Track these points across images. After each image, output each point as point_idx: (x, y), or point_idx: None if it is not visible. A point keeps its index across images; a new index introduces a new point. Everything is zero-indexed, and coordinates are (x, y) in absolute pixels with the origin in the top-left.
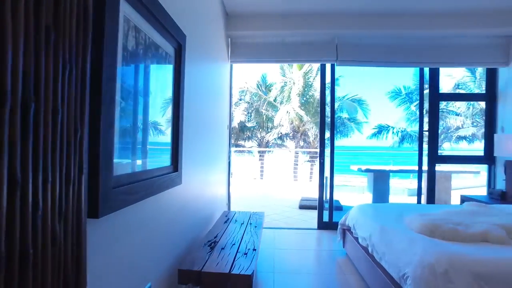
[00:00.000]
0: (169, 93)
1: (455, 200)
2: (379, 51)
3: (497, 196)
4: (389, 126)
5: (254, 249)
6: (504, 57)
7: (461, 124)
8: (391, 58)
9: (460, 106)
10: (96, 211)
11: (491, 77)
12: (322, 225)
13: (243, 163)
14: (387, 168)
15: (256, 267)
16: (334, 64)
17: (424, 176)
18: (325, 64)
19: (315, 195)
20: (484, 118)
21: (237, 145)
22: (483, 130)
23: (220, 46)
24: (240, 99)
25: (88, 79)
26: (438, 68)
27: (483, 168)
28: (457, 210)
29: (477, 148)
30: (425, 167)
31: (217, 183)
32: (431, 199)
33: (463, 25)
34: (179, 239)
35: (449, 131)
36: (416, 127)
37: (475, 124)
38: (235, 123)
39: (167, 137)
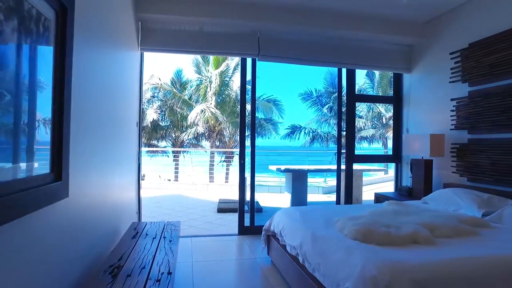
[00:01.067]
0: (48, 75)
1: (366, 196)
2: (301, 48)
3: (405, 192)
4: (301, 127)
5: (170, 272)
6: (407, 64)
7: (363, 125)
8: (313, 56)
9: (362, 109)
10: None
11: (398, 82)
12: (244, 230)
13: (157, 165)
14: (305, 167)
15: None
16: (255, 59)
17: (342, 175)
18: (245, 59)
19: (233, 196)
20: (381, 121)
21: (150, 145)
22: (380, 131)
23: (128, 29)
24: (154, 97)
25: None
26: (355, 70)
27: (389, 166)
28: (381, 210)
29: (376, 147)
30: (342, 166)
31: (123, 188)
32: (349, 197)
33: (375, 29)
34: (68, 270)
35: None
36: (326, 128)
37: (373, 126)
38: (147, 122)
39: (47, 136)
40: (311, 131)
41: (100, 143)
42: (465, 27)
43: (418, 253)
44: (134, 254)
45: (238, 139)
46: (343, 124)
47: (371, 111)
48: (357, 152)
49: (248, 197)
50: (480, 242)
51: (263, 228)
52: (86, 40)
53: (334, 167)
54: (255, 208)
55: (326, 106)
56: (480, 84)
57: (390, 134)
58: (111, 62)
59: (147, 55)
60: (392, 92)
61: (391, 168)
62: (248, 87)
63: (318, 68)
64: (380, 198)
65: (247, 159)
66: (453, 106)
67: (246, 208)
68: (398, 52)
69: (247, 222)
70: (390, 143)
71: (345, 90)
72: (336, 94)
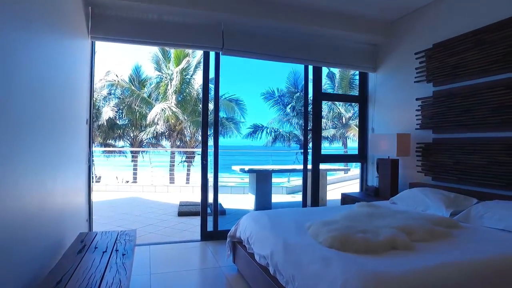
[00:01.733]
0: None
1: (331, 196)
2: (268, 43)
3: (371, 192)
4: (263, 126)
5: None
6: (373, 64)
7: (324, 125)
8: (280, 52)
9: (323, 109)
10: None
11: (363, 81)
12: (207, 235)
13: (115, 165)
14: (269, 167)
15: None
16: (219, 53)
17: (308, 175)
18: (208, 53)
19: (195, 198)
20: (341, 121)
21: (106, 145)
22: (341, 131)
23: (75, 14)
24: (110, 94)
25: None
26: (321, 68)
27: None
28: (354, 213)
29: (337, 147)
30: (308, 165)
31: (69, 193)
32: (315, 198)
33: (343, 26)
34: None
35: None
36: (288, 128)
37: (334, 126)
38: (103, 120)
39: None
40: (273, 130)
41: (39, 143)
42: (430, 28)
43: (400, 261)
44: (78, 274)
45: (200, 139)
46: (310, 123)
47: (331, 111)
48: (323, 151)
49: (211, 199)
50: (456, 245)
51: (228, 234)
52: (15, 20)
53: (300, 166)
54: (218, 210)
55: (289, 106)
56: (444, 84)
57: (350, 134)
58: (53, 50)
59: (101, 46)
60: (353, 92)
61: (353, 167)
62: (211, 86)
63: (281, 67)
64: (347, 199)
65: (210, 159)
66: (418, 105)
67: (209, 210)
68: (364, 51)
69: (210, 227)
70: (350, 143)
71: (312, 88)
72: (299, 93)
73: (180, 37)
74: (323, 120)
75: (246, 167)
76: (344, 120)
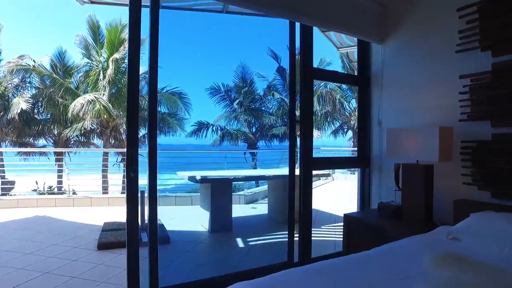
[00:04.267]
0: None
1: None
2: None
3: (390, 213)
4: (208, 123)
5: None
6: (379, 30)
7: (274, 123)
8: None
9: (272, 106)
10: None
11: (364, 55)
12: None
13: (32, 169)
14: (228, 174)
15: None
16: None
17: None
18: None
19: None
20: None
21: (21, 144)
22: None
23: None
24: (24, 81)
25: None
26: (312, 30)
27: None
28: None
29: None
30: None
31: None
32: (305, 217)
33: None
34: None
35: (264, 129)
36: (235, 125)
37: (283, 122)
38: (13, 114)
39: None
40: (219, 128)
41: None
42: None
43: None
44: None
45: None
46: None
47: (281, 108)
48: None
49: (146, 218)
50: None
51: None
52: None
53: (261, 172)
54: (158, 236)
55: (237, 101)
56: (510, 53)
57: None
58: None
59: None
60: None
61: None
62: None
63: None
64: (352, 222)
65: (140, 168)
66: (464, 86)
67: (143, 237)
68: (367, 11)
69: (145, 276)
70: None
71: (300, 62)
72: (247, 88)
73: None
74: (273, 117)
75: (197, 174)
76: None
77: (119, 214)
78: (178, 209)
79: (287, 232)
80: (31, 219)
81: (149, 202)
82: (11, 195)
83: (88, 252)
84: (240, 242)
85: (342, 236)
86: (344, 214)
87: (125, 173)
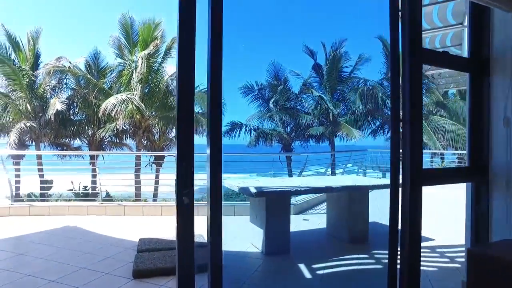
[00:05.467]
0: None
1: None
2: None
3: None
4: (241, 123)
5: None
6: None
7: (311, 122)
8: None
9: (308, 105)
10: None
11: (481, 30)
12: None
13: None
14: (283, 184)
15: None
16: None
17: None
18: None
19: (165, 229)
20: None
21: (58, 145)
22: (329, 129)
23: None
24: (61, 82)
25: None
26: (421, 3)
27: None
28: None
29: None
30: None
31: None
32: (413, 239)
33: None
34: None
35: (300, 129)
36: (269, 125)
37: (320, 122)
38: (50, 115)
39: None
40: (252, 128)
41: None
42: None
43: None
44: None
45: (174, 137)
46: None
47: (318, 107)
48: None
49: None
50: None
51: None
52: None
53: (342, 182)
54: (220, 262)
55: (272, 100)
56: None
57: (341, 132)
58: None
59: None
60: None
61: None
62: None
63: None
64: (484, 261)
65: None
66: None
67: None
68: None
69: None
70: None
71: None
72: (282, 86)
73: None
74: (310, 117)
75: (251, 184)
76: (331, 117)
77: (155, 226)
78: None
79: (362, 256)
80: (59, 231)
81: (210, 219)
82: (50, 195)
83: (121, 282)
84: (304, 270)
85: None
86: (468, 249)
87: (156, 176)
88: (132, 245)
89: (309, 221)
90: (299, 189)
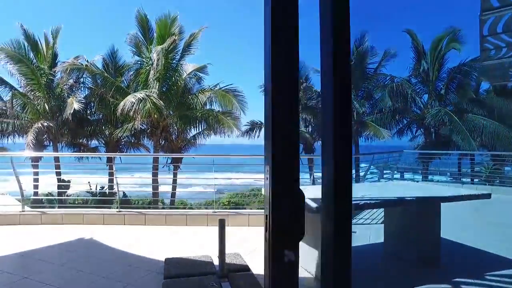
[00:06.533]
0: None
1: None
2: None
3: None
4: (261, 123)
5: None
6: None
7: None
8: None
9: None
10: None
11: None
12: None
13: (86, 170)
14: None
15: None
16: None
17: None
18: None
19: (191, 243)
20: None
21: (75, 145)
22: (354, 128)
23: None
24: (78, 81)
25: None
26: None
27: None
28: None
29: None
30: None
31: None
32: None
33: None
34: None
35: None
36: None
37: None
38: (67, 114)
39: None
40: None
41: None
42: None
43: None
44: None
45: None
46: None
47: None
48: None
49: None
50: None
51: None
52: None
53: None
54: None
55: None
56: None
57: (368, 132)
58: None
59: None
60: None
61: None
62: None
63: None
64: None
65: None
66: None
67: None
68: None
69: None
70: (361, 142)
71: None
72: (305, 84)
73: None
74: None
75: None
76: (355, 115)
77: (180, 240)
78: (253, 233)
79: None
80: (73, 245)
81: None
82: (67, 195)
83: None
84: None
85: None
86: None
87: (174, 178)
88: (157, 268)
89: (356, 233)
90: (366, 202)
